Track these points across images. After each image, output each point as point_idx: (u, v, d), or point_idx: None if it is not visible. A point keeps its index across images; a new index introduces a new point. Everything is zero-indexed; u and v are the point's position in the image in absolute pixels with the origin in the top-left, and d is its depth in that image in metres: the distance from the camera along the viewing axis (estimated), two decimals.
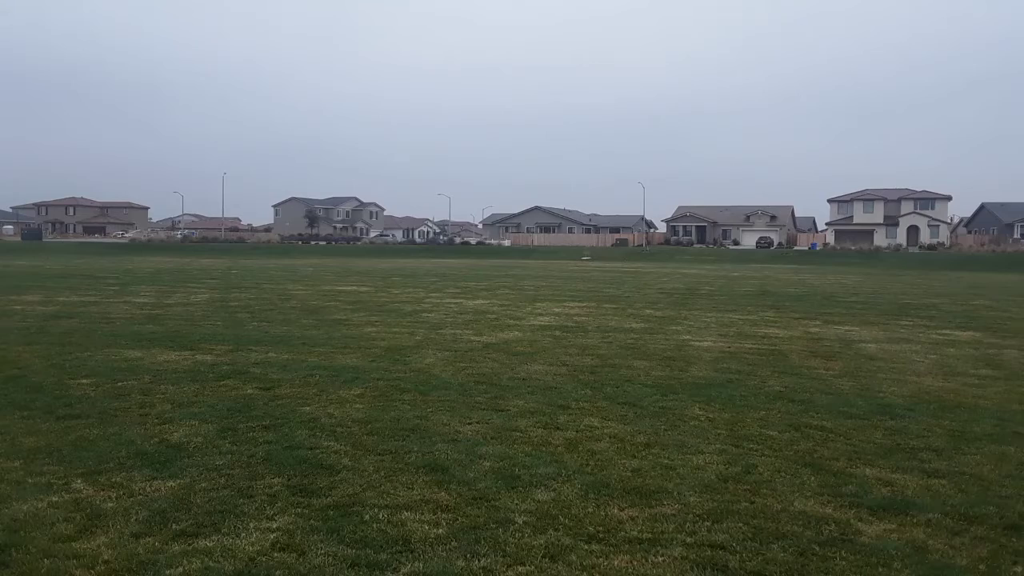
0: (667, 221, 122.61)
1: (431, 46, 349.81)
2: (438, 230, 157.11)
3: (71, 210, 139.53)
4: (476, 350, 11.81)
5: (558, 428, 7.20)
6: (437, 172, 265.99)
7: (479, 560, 4.50)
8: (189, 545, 4.64)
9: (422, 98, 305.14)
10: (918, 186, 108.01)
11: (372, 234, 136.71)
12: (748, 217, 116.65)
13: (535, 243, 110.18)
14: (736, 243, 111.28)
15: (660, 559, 4.57)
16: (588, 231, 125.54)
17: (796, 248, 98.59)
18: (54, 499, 5.32)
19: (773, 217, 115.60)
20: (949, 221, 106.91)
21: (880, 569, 4.49)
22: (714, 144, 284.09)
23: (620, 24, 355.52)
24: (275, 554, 4.53)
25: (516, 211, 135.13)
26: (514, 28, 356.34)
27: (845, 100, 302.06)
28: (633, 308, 19.62)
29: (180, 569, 4.36)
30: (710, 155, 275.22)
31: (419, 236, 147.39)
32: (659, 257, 78.07)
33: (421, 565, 4.42)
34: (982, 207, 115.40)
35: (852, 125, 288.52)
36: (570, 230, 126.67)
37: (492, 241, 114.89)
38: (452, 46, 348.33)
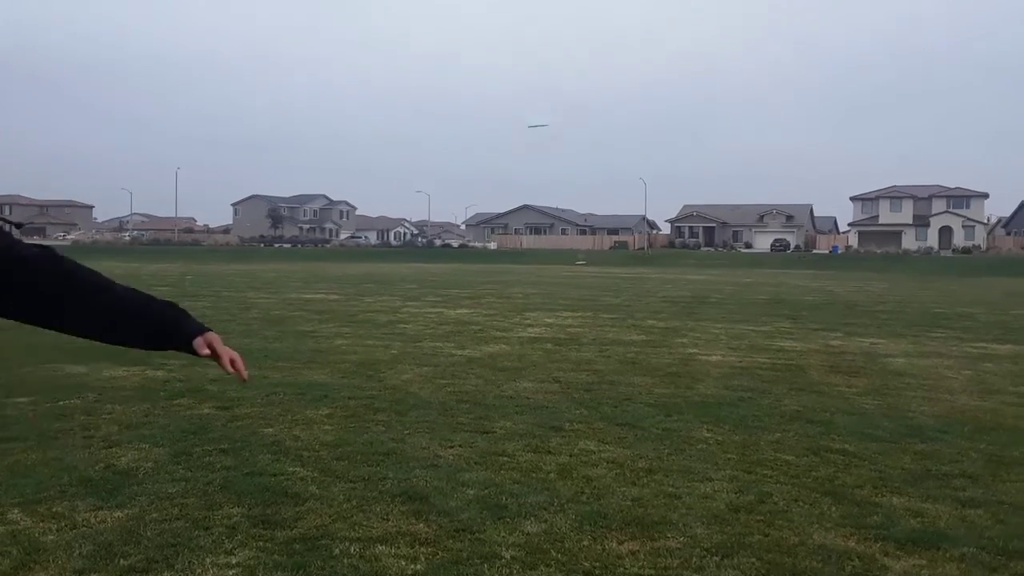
0: (671, 221, 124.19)
1: (411, 32, 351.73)
2: (416, 231, 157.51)
3: (6, 209, 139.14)
4: (459, 365, 11.82)
5: (550, 452, 7.20)
6: (415, 167, 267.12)
7: None
8: None
9: (399, 87, 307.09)
10: (951, 182, 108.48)
11: (343, 236, 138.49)
12: (761, 217, 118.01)
13: (524, 246, 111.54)
14: (748, 246, 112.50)
15: None
16: (583, 232, 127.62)
17: (815, 251, 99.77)
18: None
19: (789, 217, 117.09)
20: (986, 221, 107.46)
21: None
22: (724, 137, 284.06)
23: (621, 6, 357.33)
24: None
25: (503, 210, 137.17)
26: (503, 12, 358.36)
27: (871, 89, 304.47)
28: (633, 318, 19.76)
29: None
30: (719, 149, 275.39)
31: (395, 238, 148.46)
32: (662, 261, 78.84)
33: None
34: (1023, 205, 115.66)
35: (878, 117, 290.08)
36: (563, 231, 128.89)
37: (476, 243, 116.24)
38: (433, 32, 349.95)
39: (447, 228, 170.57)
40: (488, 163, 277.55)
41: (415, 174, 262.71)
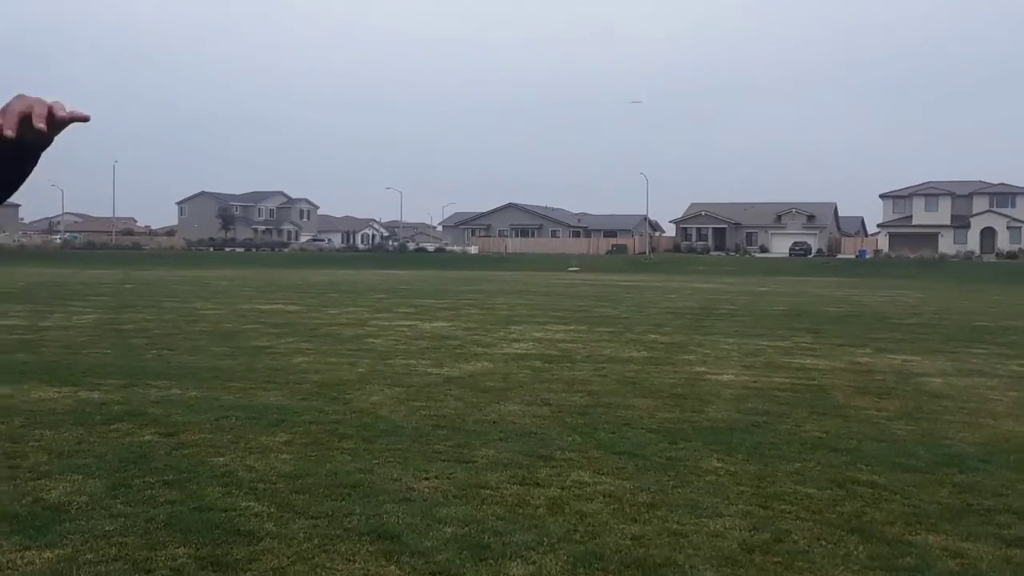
0: (676, 222, 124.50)
1: (382, 13, 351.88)
2: (386, 233, 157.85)
3: None
4: (435, 385, 11.84)
5: (538, 484, 7.19)
6: (385, 162, 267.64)
7: None
8: None
9: (368, 75, 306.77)
10: (994, 178, 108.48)
11: (303, 238, 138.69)
12: (779, 217, 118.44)
13: (509, 249, 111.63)
14: (764, 250, 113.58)
15: None
16: (576, 234, 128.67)
17: (840, 256, 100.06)
18: None
19: (811, 217, 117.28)
20: None
21: None
22: (736, 128, 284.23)
23: None
24: None
25: (485, 210, 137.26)
26: None
27: (903, 74, 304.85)
28: (633, 332, 19.88)
29: None
30: (730, 141, 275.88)
31: (362, 241, 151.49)
32: (666, 267, 78.91)
33: None
34: None
35: (912, 104, 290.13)
36: (554, 233, 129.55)
37: (455, 247, 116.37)
38: (408, 13, 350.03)
39: (422, 230, 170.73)
40: (469, 158, 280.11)
41: (386, 170, 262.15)
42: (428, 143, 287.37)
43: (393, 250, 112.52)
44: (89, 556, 5.51)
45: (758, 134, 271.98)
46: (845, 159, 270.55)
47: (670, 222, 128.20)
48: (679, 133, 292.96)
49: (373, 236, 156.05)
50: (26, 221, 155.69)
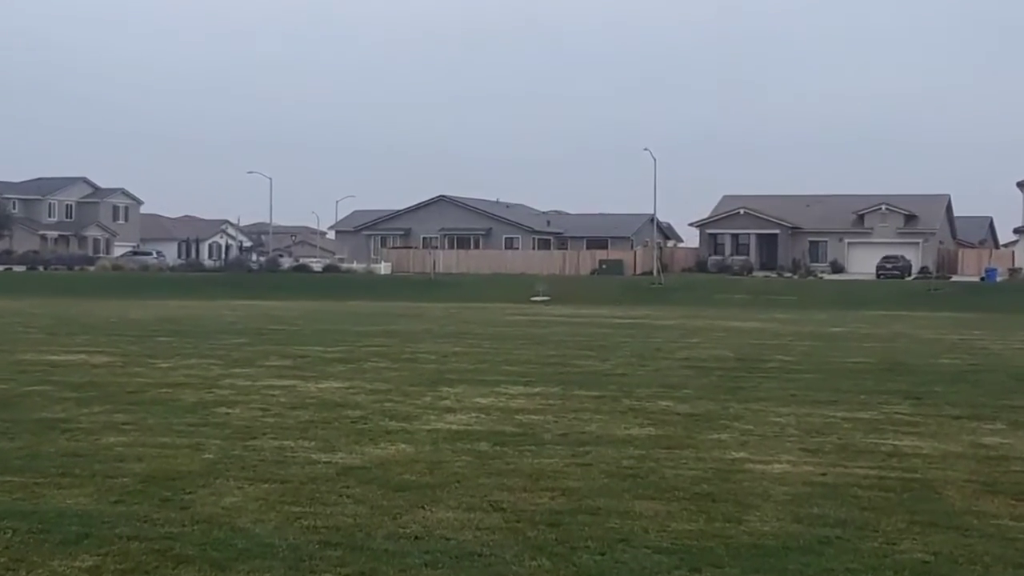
0: (701, 225, 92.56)
1: None
2: (248, 242, 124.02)
3: None
4: (324, 480, 9.97)
5: None
6: (246, 136, 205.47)
7: None
8: None
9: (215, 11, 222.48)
10: None
11: (118, 250, 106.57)
12: (861, 218, 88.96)
13: (441, 268, 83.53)
14: (837, 268, 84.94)
15: None
16: (545, 244, 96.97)
17: (955, 278, 75.52)
18: None
19: (910, 218, 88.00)
20: None
21: None
22: (788, 85, 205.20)
23: None
24: None
25: (402, 207, 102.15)
26: None
27: None
28: (634, 397, 16.85)
29: None
30: (781, 105, 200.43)
31: (212, 254, 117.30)
32: (685, 296, 62.82)
33: None
34: None
35: None
36: (510, 243, 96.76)
37: (354, 264, 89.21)
38: None
39: (304, 237, 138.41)
40: (377, 126, 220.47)
41: (247, 148, 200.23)
42: (313, 106, 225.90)
43: (258, 268, 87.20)
44: None
45: (823, 94, 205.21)
46: (962, 133, 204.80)
47: (691, 225, 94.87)
48: (705, 93, 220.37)
49: (228, 247, 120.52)
50: None
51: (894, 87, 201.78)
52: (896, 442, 12.88)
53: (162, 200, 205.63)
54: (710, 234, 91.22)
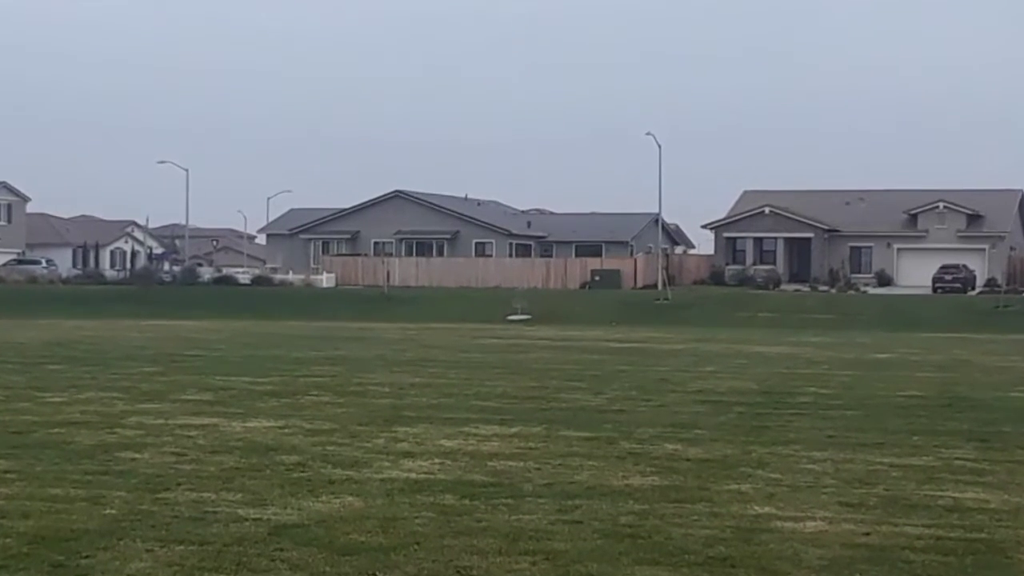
0: (715, 227, 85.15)
1: None
2: (160, 248, 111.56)
3: None
4: (253, 541, 9.30)
5: None
6: (156, 122, 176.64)
7: None
8: None
9: None
10: None
11: None
12: (913, 218, 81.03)
13: (397, 280, 78.19)
14: (884, 280, 77.53)
15: None
16: (525, 251, 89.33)
17: None
18: None
19: (973, 217, 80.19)
20: None
21: None
22: (829, 55, 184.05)
23: None
24: None
25: (349, 205, 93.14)
26: None
27: None
28: (633, 439, 15.54)
29: None
30: (818, 80, 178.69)
31: (114, 262, 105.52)
32: (697, 313, 58.95)
33: None
34: None
35: None
36: (481, 249, 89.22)
37: (289, 275, 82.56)
38: None
39: (228, 242, 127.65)
40: (316, 111, 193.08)
41: (157, 134, 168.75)
42: (238, 82, 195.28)
43: (172, 280, 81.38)
44: None
45: (863, 65, 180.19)
46: None
47: (705, 228, 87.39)
48: (720, 66, 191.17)
49: (134, 254, 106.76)
50: None
51: (956, 58, 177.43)
52: (957, 494, 11.83)
53: (53, 197, 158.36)
54: (728, 238, 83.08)
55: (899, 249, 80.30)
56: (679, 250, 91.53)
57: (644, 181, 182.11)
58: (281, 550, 8.94)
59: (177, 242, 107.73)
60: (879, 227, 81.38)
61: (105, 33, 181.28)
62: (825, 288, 73.22)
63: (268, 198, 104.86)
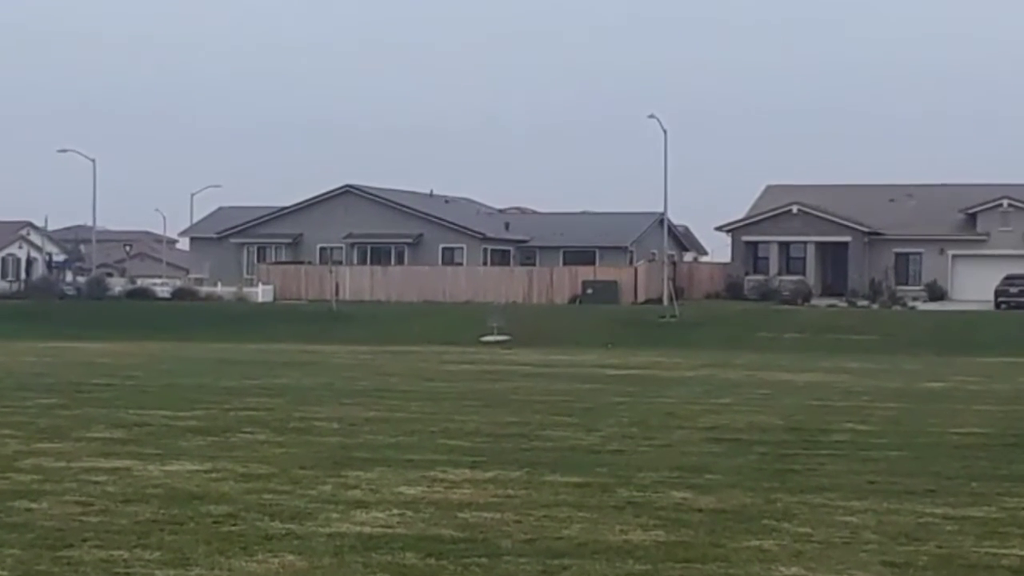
0: (732, 230, 75.57)
1: None
2: (62, 255, 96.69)
3: None
4: None
5: None
6: (58, 103, 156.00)
7: None
8: None
9: None
10: None
11: None
12: (971, 218, 72.02)
13: (348, 292, 69.69)
14: (937, 293, 69.85)
15: None
16: (503, 258, 79.18)
17: None
18: None
19: None
20: None
21: None
22: (874, 22, 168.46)
23: None
24: None
25: (290, 203, 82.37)
26: None
27: None
28: (633, 485, 13.98)
29: None
30: (857, 50, 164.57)
31: (6, 272, 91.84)
32: (709, 333, 53.77)
33: None
34: None
35: None
36: (450, 255, 78.87)
37: (218, 287, 73.90)
38: None
39: (144, 247, 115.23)
40: (249, 93, 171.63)
41: (57, 119, 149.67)
42: (155, 58, 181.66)
43: (77, 293, 73.24)
44: None
45: (915, 41, 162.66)
46: None
47: (719, 230, 77.40)
48: (746, 30, 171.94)
49: (31, 261, 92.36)
50: None
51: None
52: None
53: None
54: (747, 243, 72.71)
55: (954, 256, 71.35)
56: (689, 257, 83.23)
57: (647, 174, 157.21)
58: None
59: (82, 247, 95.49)
60: (930, 229, 71.87)
61: None
62: (865, 303, 66.01)
63: (192, 195, 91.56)
